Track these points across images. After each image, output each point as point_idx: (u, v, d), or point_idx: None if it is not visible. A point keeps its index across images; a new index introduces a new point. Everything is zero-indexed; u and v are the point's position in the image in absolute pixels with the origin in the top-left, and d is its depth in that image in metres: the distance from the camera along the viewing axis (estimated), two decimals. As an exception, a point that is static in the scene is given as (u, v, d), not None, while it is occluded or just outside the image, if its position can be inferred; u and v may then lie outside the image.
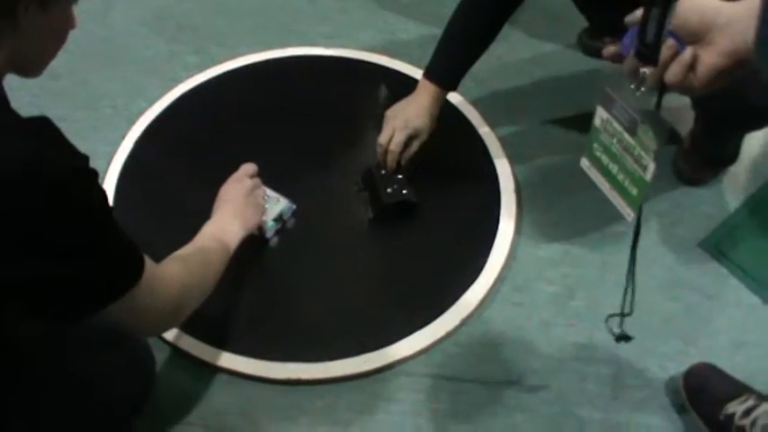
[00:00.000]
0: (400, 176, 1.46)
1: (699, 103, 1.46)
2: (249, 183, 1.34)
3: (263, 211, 1.39)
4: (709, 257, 1.44)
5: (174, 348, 1.32)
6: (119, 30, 1.92)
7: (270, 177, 1.46)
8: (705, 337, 1.34)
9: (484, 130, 1.63)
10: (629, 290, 1.29)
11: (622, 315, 1.33)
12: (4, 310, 0.83)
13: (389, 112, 1.45)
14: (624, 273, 1.40)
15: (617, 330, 1.30)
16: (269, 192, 1.45)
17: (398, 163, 1.46)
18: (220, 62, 1.80)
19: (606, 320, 1.33)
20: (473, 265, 1.41)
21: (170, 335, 1.32)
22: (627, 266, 1.14)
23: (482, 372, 1.30)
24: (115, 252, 0.87)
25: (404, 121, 1.42)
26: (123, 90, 1.75)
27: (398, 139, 1.42)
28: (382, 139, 1.44)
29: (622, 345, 1.31)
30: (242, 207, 1.30)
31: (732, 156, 1.53)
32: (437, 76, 1.43)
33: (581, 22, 1.81)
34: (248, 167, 1.36)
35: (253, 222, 1.32)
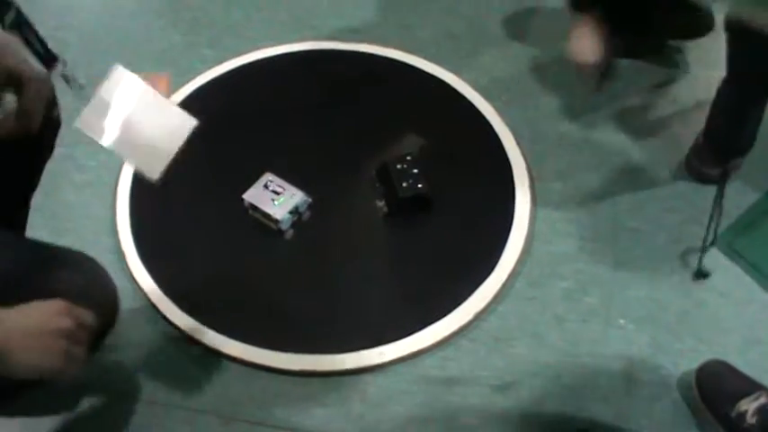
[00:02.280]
0: (416, 171, 1.47)
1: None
2: (68, 323, 0.91)
3: (64, 366, 0.90)
4: (722, 255, 1.45)
5: (190, 339, 1.33)
6: (136, 22, 1.93)
7: (286, 170, 1.48)
8: (718, 334, 1.34)
9: (499, 127, 1.64)
10: (715, 218, 1.43)
11: (704, 248, 1.37)
12: None
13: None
14: (637, 270, 1.42)
15: (694, 266, 1.38)
16: (285, 184, 1.46)
17: (412, 158, 1.47)
18: (236, 55, 1.81)
19: (683, 256, 1.40)
20: (487, 260, 1.42)
21: (185, 325, 1.34)
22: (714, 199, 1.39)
23: (495, 365, 1.31)
24: None
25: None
26: (140, 82, 1.76)
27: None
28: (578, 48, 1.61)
29: (634, 341, 1.33)
30: (37, 338, 0.89)
31: (748, 143, 1.52)
32: None
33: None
34: (75, 311, 0.92)
35: (30, 362, 0.88)
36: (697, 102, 1.68)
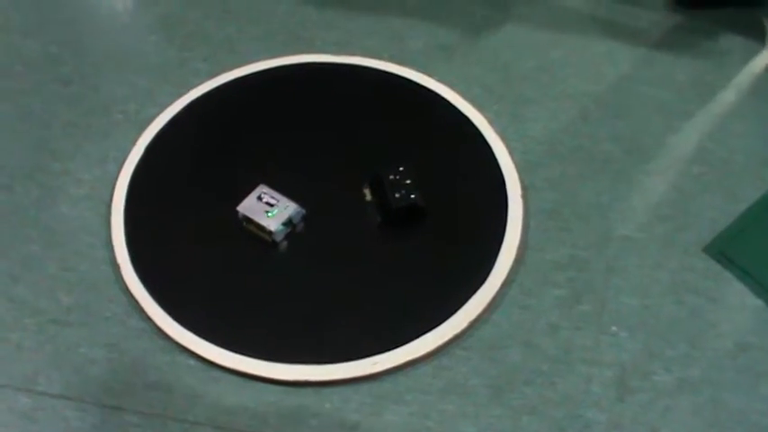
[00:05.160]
0: (408, 181, 1.48)
1: None
2: None
3: None
4: (713, 262, 1.45)
5: (184, 350, 1.34)
6: (130, 37, 1.94)
7: (280, 182, 1.49)
8: (710, 339, 1.35)
9: (491, 136, 1.65)
10: None
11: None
12: None
13: None
14: (629, 278, 1.42)
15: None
16: (279, 196, 1.47)
17: (405, 169, 1.48)
18: (230, 69, 1.82)
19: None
20: (481, 269, 1.43)
21: (180, 336, 1.34)
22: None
23: (489, 374, 1.31)
24: None
25: None
26: (134, 96, 1.77)
27: None
28: None
29: (627, 348, 1.34)
30: None
31: None
32: None
33: (587, 29, 1.84)
34: None
35: None
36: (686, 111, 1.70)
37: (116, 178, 1.59)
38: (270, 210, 1.46)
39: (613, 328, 1.37)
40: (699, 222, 1.51)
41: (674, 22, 1.91)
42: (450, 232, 1.49)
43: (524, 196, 1.55)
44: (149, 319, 1.37)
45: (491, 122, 1.68)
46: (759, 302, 1.39)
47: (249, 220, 1.47)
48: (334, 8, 1.99)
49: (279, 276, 1.44)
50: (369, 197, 1.53)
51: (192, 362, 1.33)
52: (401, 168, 1.50)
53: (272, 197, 1.48)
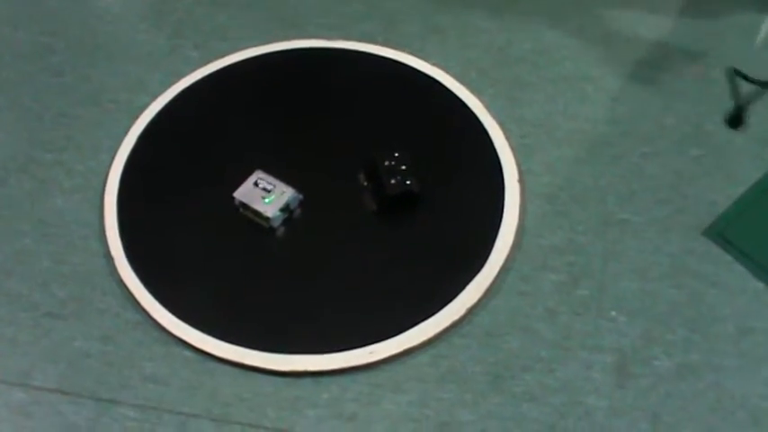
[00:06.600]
0: (404, 167, 1.47)
1: None
2: None
3: None
4: (713, 245, 1.44)
5: (180, 341, 1.32)
6: (120, 25, 1.92)
7: (276, 168, 1.47)
8: (711, 323, 1.34)
9: (487, 121, 1.63)
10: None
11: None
12: None
13: None
14: (628, 262, 1.41)
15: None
16: (275, 181, 1.46)
17: (400, 155, 1.46)
18: (222, 56, 1.80)
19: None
20: (478, 255, 1.41)
21: (175, 327, 1.33)
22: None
23: (488, 361, 1.30)
24: None
25: None
26: (125, 85, 1.76)
27: None
28: None
29: (627, 333, 1.33)
30: None
31: None
32: None
33: (582, 11, 1.82)
34: None
35: None
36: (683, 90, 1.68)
37: (109, 168, 1.57)
38: (267, 195, 1.45)
39: (613, 313, 1.36)
40: (698, 205, 1.50)
41: (671, 2, 1.89)
42: (446, 218, 1.48)
43: (521, 181, 1.53)
44: (144, 310, 1.36)
45: (487, 106, 1.66)
46: (760, 285, 1.38)
47: (246, 207, 1.45)
48: (327, -7, 1.97)
49: (276, 264, 1.42)
50: (364, 183, 1.51)
51: (187, 353, 1.32)
52: (396, 154, 1.49)
53: (269, 183, 1.47)
